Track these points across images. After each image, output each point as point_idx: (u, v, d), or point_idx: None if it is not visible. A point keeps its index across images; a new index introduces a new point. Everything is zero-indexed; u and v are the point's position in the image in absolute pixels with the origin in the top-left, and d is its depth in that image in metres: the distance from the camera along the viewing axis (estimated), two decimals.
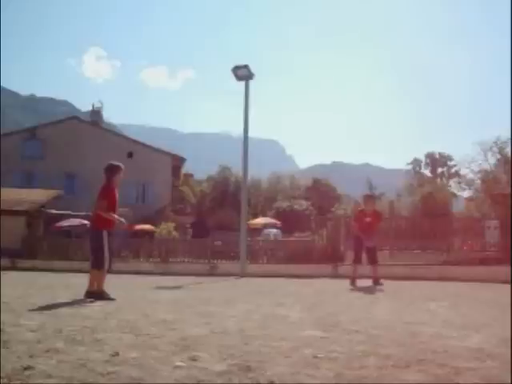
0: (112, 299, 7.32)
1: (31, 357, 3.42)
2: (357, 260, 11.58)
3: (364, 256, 11.68)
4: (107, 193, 7.67)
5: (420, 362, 3.40)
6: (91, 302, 7.12)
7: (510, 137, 45.51)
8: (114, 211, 7.75)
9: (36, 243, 23.24)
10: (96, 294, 7.44)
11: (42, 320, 5.18)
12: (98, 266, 7.57)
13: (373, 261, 11.43)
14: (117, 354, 3.52)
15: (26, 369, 3.07)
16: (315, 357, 3.52)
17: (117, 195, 7.80)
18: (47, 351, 3.61)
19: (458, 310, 6.70)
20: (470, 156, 50.08)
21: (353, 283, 11.11)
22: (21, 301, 7.17)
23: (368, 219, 11.50)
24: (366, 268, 11.65)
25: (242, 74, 16.75)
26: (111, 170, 7.83)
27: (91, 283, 7.62)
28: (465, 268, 13.97)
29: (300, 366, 3.26)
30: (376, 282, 11.10)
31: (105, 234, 7.59)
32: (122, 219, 7.88)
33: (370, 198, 12.24)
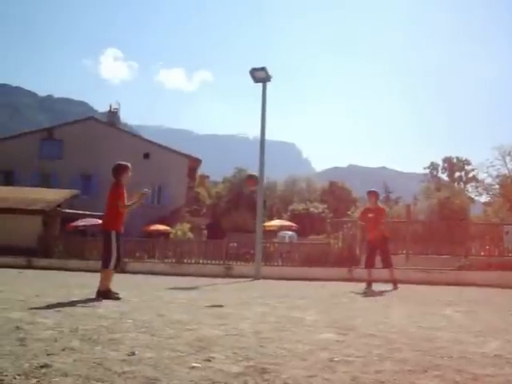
0: (118, 298, 7.34)
1: (48, 355, 3.43)
2: (369, 264, 11.52)
3: (379, 259, 11.63)
4: (118, 193, 7.70)
5: (437, 367, 3.36)
6: (99, 301, 7.14)
7: None
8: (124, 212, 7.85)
9: (52, 242, 23.41)
10: (102, 293, 7.47)
11: (58, 318, 5.20)
12: (105, 265, 7.63)
13: (387, 264, 11.39)
14: (133, 353, 3.52)
15: (42, 367, 3.08)
16: (331, 360, 3.50)
17: (126, 195, 7.84)
18: (63, 349, 3.62)
19: (474, 315, 6.63)
20: (489, 161, 49.65)
21: (368, 287, 11.06)
22: (37, 299, 7.21)
23: (371, 215, 11.50)
24: (381, 272, 11.59)
25: (260, 76, 16.74)
26: (119, 170, 7.86)
27: (101, 283, 7.69)
28: (482, 273, 13.84)
29: (316, 369, 3.24)
30: (394, 285, 11.07)
31: (113, 234, 7.64)
32: (145, 189, 8.08)
33: (371, 193, 12.17)
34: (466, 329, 5.22)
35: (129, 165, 7.97)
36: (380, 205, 12.59)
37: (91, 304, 6.79)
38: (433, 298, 9.37)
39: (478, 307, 7.78)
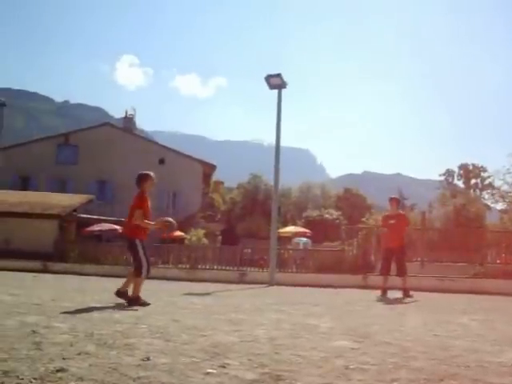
0: (148, 304, 7.37)
1: (63, 359, 3.45)
2: (385, 271, 11.44)
3: (394, 266, 11.55)
4: (141, 202, 7.74)
5: (453, 376, 3.34)
6: (125, 306, 7.19)
7: None
8: (149, 219, 7.84)
9: (68, 247, 23.54)
10: (132, 299, 7.50)
11: (74, 323, 5.23)
12: (137, 274, 7.67)
13: (401, 272, 11.27)
14: (148, 358, 3.53)
15: (58, 371, 3.10)
16: (346, 368, 3.48)
17: (149, 203, 7.87)
18: (79, 354, 3.64)
19: (490, 324, 6.57)
20: (505, 167, 49.25)
21: (383, 294, 11.00)
22: (53, 303, 7.26)
23: (392, 221, 11.43)
24: (396, 279, 11.51)
25: (275, 82, 16.75)
26: (141, 179, 7.93)
27: (126, 284, 7.73)
28: (498, 281, 13.72)
29: (331, 376, 3.23)
30: (406, 294, 10.94)
31: (138, 242, 7.67)
32: (170, 219, 8.05)
33: (393, 200, 12.12)
34: (482, 338, 5.18)
35: (151, 173, 8.05)
36: (401, 211, 12.53)
37: (107, 309, 6.82)
38: (448, 306, 9.30)
39: (493, 316, 7.71)
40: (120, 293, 7.71)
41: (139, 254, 7.62)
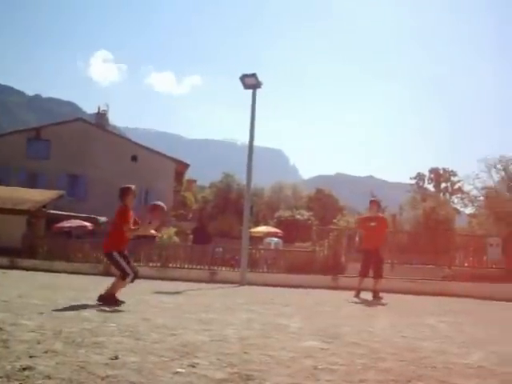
0: (122, 303, 7.28)
1: (30, 357, 3.40)
2: (364, 273, 11.44)
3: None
4: (126, 217, 7.73)
5: (420, 377, 3.38)
6: (100, 305, 7.09)
7: None
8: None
9: (36, 243, 23.20)
10: (106, 297, 7.39)
11: (42, 320, 5.16)
12: (123, 277, 7.63)
13: (378, 275, 11.31)
14: (116, 357, 3.51)
15: (25, 369, 3.06)
16: (315, 368, 3.50)
17: (131, 215, 7.84)
18: (46, 352, 3.59)
19: (458, 326, 6.67)
20: (475, 172, 50.00)
21: (357, 295, 11.04)
22: (20, 300, 7.16)
23: (372, 224, 11.46)
24: (368, 280, 11.57)
25: (250, 82, 16.75)
26: (123, 193, 7.94)
27: (110, 289, 7.65)
28: (466, 284, 13.92)
29: (300, 376, 3.24)
30: (376, 296, 11.01)
31: (115, 254, 7.65)
32: (159, 203, 8.06)
33: (373, 203, 12.19)
34: (449, 339, 5.26)
35: (132, 187, 8.08)
36: (381, 214, 12.59)
37: (75, 307, 6.75)
38: (417, 308, 9.42)
39: (461, 318, 7.83)
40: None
41: (121, 264, 7.61)
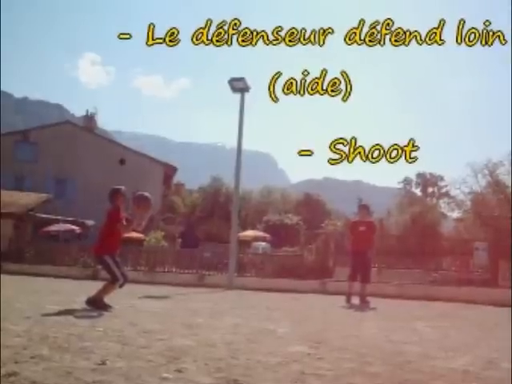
0: (109, 307, 7.24)
1: (16, 363, 3.38)
2: (353, 278, 11.44)
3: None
4: (116, 215, 7.70)
5: (407, 381, 3.40)
6: (87, 310, 7.04)
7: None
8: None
9: (23, 247, 23.05)
10: (93, 301, 7.36)
11: (28, 325, 5.13)
12: (113, 282, 7.61)
13: (366, 279, 11.32)
14: (103, 362, 3.49)
15: (10, 375, 3.03)
16: (302, 373, 3.51)
17: (123, 216, 7.80)
18: (33, 357, 3.57)
19: (445, 330, 6.70)
20: (461, 177, 50.26)
21: (348, 300, 11.02)
22: (6, 305, 7.10)
23: (362, 228, 11.49)
24: (355, 284, 11.59)
25: (238, 86, 16.79)
26: (112, 194, 7.88)
27: (98, 292, 7.61)
28: (452, 288, 14.00)
29: (287, 381, 3.25)
30: (363, 300, 11.02)
31: (107, 257, 7.62)
32: (144, 194, 8.05)
33: (363, 207, 12.24)
34: (436, 344, 5.28)
35: (122, 188, 7.97)
36: (371, 219, 12.62)
37: (63, 312, 6.71)
38: (404, 313, 9.45)
39: (448, 322, 7.87)
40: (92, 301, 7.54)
41: (112, 268, 7.58)
